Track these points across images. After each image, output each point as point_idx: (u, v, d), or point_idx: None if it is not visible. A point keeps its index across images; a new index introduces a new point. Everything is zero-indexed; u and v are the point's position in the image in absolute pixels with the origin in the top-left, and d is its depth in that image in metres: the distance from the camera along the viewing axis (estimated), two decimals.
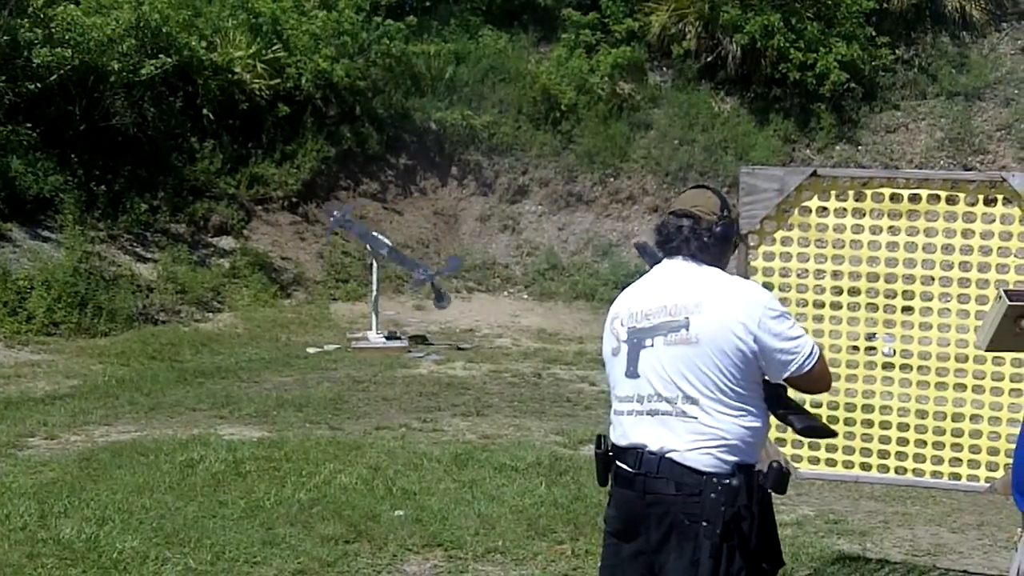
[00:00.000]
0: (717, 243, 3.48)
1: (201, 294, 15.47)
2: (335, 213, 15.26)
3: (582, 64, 20.42)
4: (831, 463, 5.38)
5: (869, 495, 7.71)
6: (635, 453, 3.34)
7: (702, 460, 3.24)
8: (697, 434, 3.26)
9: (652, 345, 3.35)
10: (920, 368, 5.27)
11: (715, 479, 3.19)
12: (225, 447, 8.29)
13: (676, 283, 3.42)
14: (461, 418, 10.21)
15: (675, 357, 3.30)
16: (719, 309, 3.29)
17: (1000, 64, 21.09)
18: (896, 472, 5.37)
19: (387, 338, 14.20)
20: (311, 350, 13.72)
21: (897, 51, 21.02)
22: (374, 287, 14.53)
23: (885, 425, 5.27)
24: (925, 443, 5.21)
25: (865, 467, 5.36)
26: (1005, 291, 2.91)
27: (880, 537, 6.79)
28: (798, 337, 3.33)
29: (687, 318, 3.30)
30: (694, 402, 3.27)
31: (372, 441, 8.84)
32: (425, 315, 16.42)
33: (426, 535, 6.34)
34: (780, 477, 3.32)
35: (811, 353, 3.33)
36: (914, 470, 5.29)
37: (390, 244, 15.17)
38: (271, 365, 12.67)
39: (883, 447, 5.28)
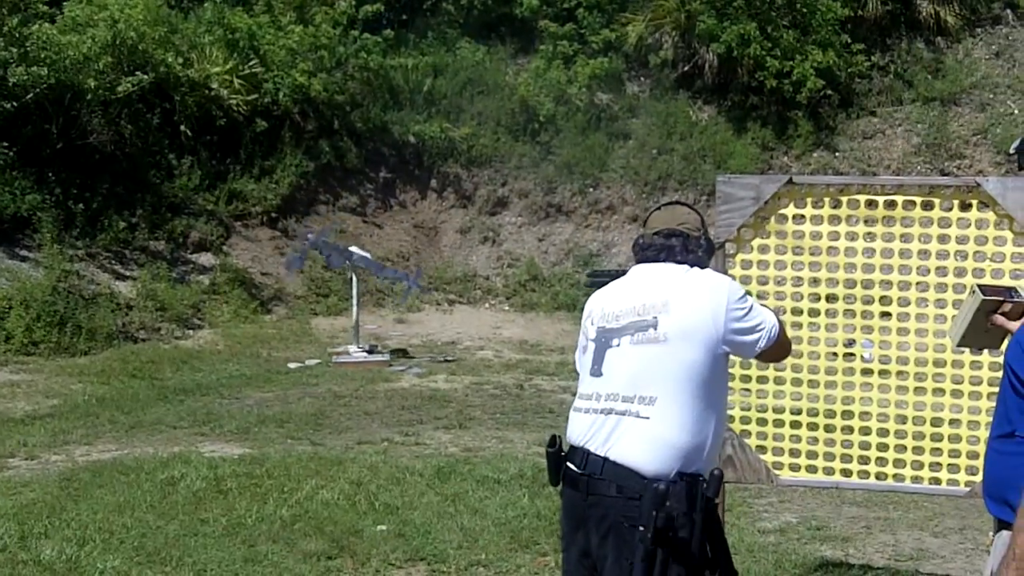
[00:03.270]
0: (703, 257, 3.58)
1: (181, 311, 15.42)
2: (309, 236, 15.20)
3: (560, 75, 20.46)
4: (812, 470, 5.38)
5: (851, 501, 7.71)
6: (582, 453, 3.36)
7: (646, 464, 3.24)
8: (646, 437, 3.26)
9: (618, 345, 3.38)
10: (899, 373, 5.27)
11: (654, 483, 3.19)
12: (206, 464, 8.24)
13: (648, 283, 3.47)
14: (443, 431, 10.19)
15: (640, 357, 3.33)
16: (686, 306, 3.32)
17: (975, 69, 21.22)
18: (877, 477, 5.36)
19: (368, 352, 14.18)
20: (292, 365, 13.69)
21: (873, 58, 21.14)
22: (354, 301, 14.51)
23: (865, 431, 5.27)
24: (905, 448, 5.22)
25: (846, 473, 5.36)
26: (979, 286, 2.92)
27: (863, 543, 6.80)
28: (761, 313, 3.46)
29: (655, 317, 3.33)
30: (651, 403, 3.28)
31: (354, 456, 8.81)
32: (407, 328, 16.41)
33: (409, 549, 6.32)
34: (720, 484, 3.33)
35: (773, 326, 3.46)
36: (895, 475, 5.29)
37: (369, 256, 15.14)
38: (252, 381, 12.63)
39: (863, 453, 5.28)
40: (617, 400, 3.34)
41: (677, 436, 3.27)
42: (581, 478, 3.35)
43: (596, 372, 3.44)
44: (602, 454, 3.31)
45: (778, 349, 3.54)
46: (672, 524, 3.18)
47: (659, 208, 3.70)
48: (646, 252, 3.55)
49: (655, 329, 3.32)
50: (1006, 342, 2.96)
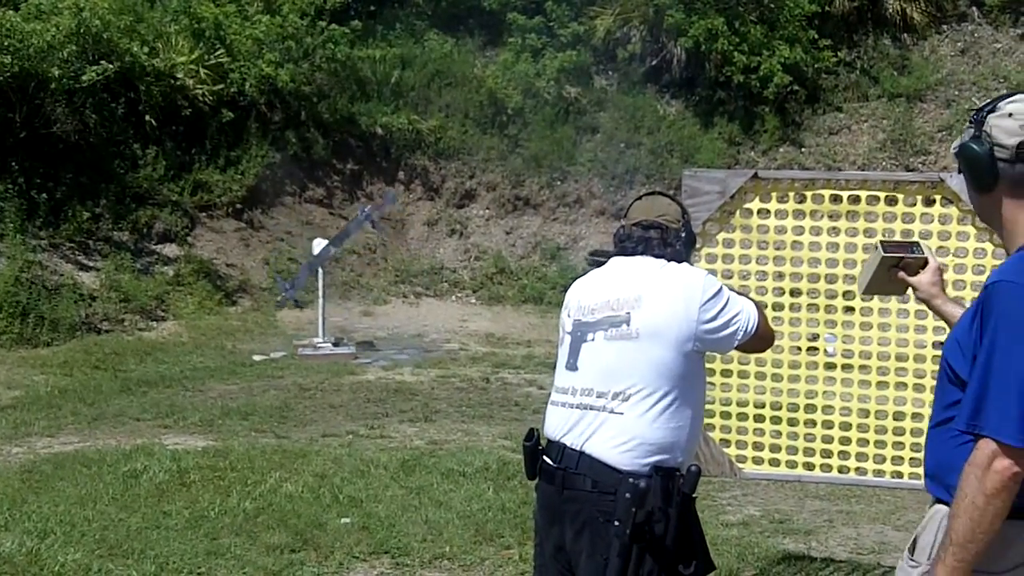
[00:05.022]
0: (683, 250, 3.55)
1: (145, 302, 15.30)
2: (284, 292, 15.13)
3: (528, 68, 20.45)
4: (775, 463, 5.41)
5: (814, 494, 7.76)
6: (558, 447, 3.36)
7: (621, 459, 3.24)
8: (621, 432, 3.26)
9: (593, 339, 3.38)
10: (862, 367, 5.31)
11: (630, 479, 3.18)
12: (169, 457, 8.19)
13: (623, 277, 3.45)
14: (409, 424, 10.17)
15: (614, 352, 3.32)
16: (658, 304, 3.30)
17: (941, 66, 21.36)
18: (839, 471, 5.40)
19: (334, 345, 14.13)
20: (257, 358, 13.62)
21: (839, 53, 21.24)
22: (320, 294, 14.44)
23: (828, 424, 5.30)
24: (867, 442, 5.25)
25: (809, 467, 5.40)
26: (881, 242, 3.08)
27: (825, 536, 6.84)
28: (737, 308, 3.41)
29: (628, 313, 3.32)
30: (625, 399, 3.27)
31: (318, 449, 8.79)
32: (373, 321, 16.36)
33: (373, 542, 6.30)
34: (697, 480, 3.32)
35: (751, 316, 3.42)
36: (857, 469, 5.33)
37: (326, 243, 15.02)
38: (216, 373, 12.55)
39: (826, 446, 5.32)
40: (592, 395, 3.33)
41: (652, 432, 3.26)
42: (557, 472, 3.34)
43: (572, 366, 3.43)
44: (578, 448, 3.31)
45: (757, 340, 3.50)
46: (649, 519, 3.18)
47: (640, 198, 3.66)
48: (625, 244, 3.53)
49: (627, 325, 3.32)
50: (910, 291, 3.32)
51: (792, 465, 5.40)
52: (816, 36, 20.85)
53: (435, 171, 19.68)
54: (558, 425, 3.40)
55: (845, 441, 5.28)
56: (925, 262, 3.24)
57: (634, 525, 3.14)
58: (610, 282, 3.47)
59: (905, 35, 21.88)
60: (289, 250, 17.40)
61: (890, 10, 21.62)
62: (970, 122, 2.70)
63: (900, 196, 5.19)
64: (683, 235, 3.54)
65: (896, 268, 3.22)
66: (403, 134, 19.45)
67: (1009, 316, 2.48)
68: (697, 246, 5.31)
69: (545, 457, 3.42)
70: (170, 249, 16.73)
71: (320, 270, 14.64)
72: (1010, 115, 2.60)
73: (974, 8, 22.08)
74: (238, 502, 7.03)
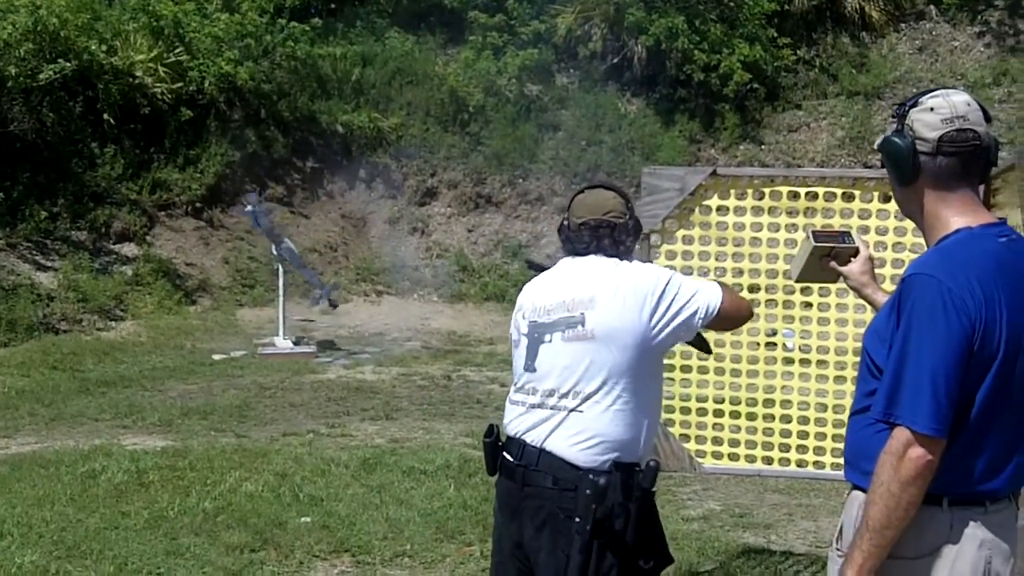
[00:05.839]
0: (632, 242, 3.56)
1: (103, 302, 15.17)
2: (248, 207, 14.90)
3: (489, 66, 20.44)
4: (734, 458, 5.44)
5: (774, 488, 7.81)
6: (518, 444, 3.36)
7: (581, 456, 3.25)
8: (581, 430, 3.27)
9: (550, 340, 3.38)
10: (819, 362, 5.35)
11: (590, 475, 3.20)
12: (128, 457, 8.14)
13: (575, 277, 3.45)
14: (370, 422, 10.15)
15: (571, 353, 3.32)
16: (612, 305, 3.30)
17: (899, 64, 21.54)
18: (798, 465, 5.43)
19: (295, 343, 14.07)
20: (217, 357, 13.54)
21: (799, 52, 21.37)
22: (281, 292, 14.37)
23: (786, 419, 5.33)
24: (825, 435, 5.29)
25: (767, 461, 5.43)
26: (813, 231, 3.13)
27: (785, 529, 6.89)
28: (690, 292, 3.37)
29: (582, 313, 3.33)
30: (584, 398, 3.29)
31: (279, 448, 8.75)
32: (334, 319, 16.29)
33: (333, 541, 6.29)
34: (656, 475, 3.34)
35: (711, 298, 3.38)
36: (815, 462, 5.37)
37: (295, 250, 14.99)
38: (176, 373, 12.47)
39: (785, 441, 5.35)
40: (552, 396, 3.34)
41: (611, 429, 3.28)
42: (517, 469, 3.36)
43: (530, 367, 3.44)
44: (538, 446, 3.31)
45: (726, 320, 3.48)
46: (609, 515, 3.19)
47: (582, 192, 3.65)
48: (575, 245, 3.52)
49: (582, 326, 3.32)
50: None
51: (751, 459, 5.43)
52: (775, 34, 20.97)
53: (396, 169, 19.63)
54: (518, 424, 3.41)
55: (804, 435, 5.32)
56: (856, 251, 3.26)
57: (594, 521, 3.16)
58: (564, 283, 3.47)
59: (864, 33, 22.05)
60: (249, 249, 17.29)
61: (849, 8, 21.79)
62: (893, 117, 2.75)
63: (857, 193, 5.23)
64: (631, 227, 3.55)
65: (828, 257, 3.24)
66: (364, 132, 19.38)
67: (923, 308, 2.53)
68: (657, 243, 5.34)
69: (505, 453, 3.43)
70: (129, 248, 16.60)
71: (280, 268, 14.56)
72: (931, 109, 2.65)
73: (932, 6, 22.27)
74: (197, 502, 6.99)
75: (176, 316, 15.58)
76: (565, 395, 3.31)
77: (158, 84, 17.45)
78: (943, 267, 2.56)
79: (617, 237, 3.49)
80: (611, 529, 3.21)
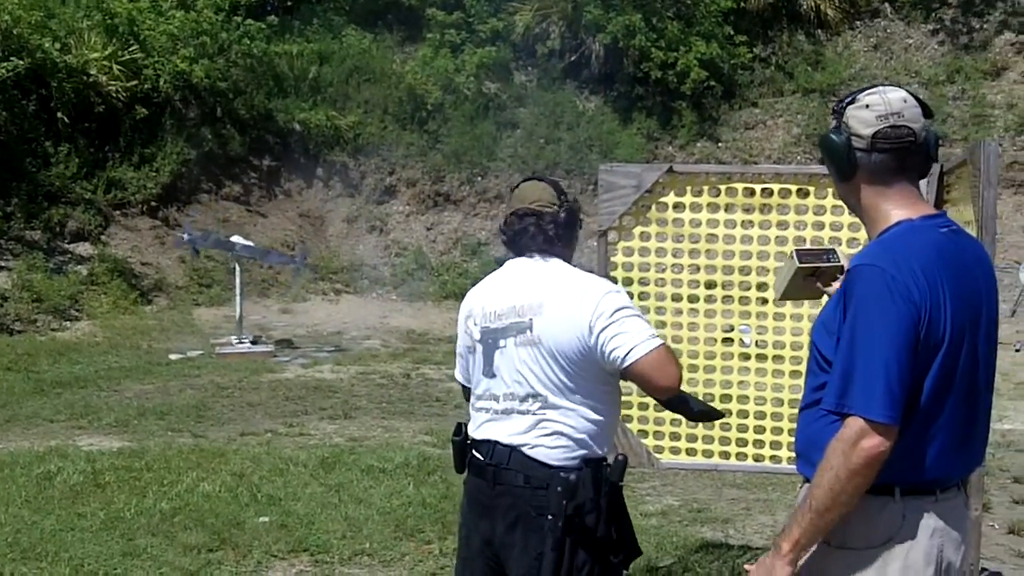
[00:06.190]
0: (563, 232, 3.48)
1: (58, 302, 15.03)
2: (184, 236, 14.85)
3: (448, 64, 20.42)
4: (692, 453, 5.46)
5: (732, 483, 7.85)
6: (488, 445, 3.37)
7: (550, 454, 3.26)
8: (546, 430, 3.28)
9: (504, 346, 3.37)
10: (775, 357, 5.37)
11: (561, 472, 3.22)
12: (84, 458, 8.06)
13: (523, 282, 3.43)
14: (328, 421, 10.11)
15: (523, 357, 3.32)
16: (558, 310, 3.29)
17: (854, 61, 21.73)
18: (755, 460, 5.46)
19: (252, 343, 14.00)
20: (173, 357, 13.44)
21: (755, 49, 21.51)
22: (238, 291, 14.29)
23: (743, 414, 5.36)
24: (782, 430, 5.32)
25: (725, 456, 5.45)
26: (796, 251, 3.07)
27: (742, 524, 6.93)
28: (631, 330, 3.21)
29: (531, 319, 3.32)
30: (542, 399, 3.29)
31: (236, 448, 8.70)
32: (292, 318, 16.23)
33: (292, 540, 6.25)
34: (624, 468, 3.34)
35: (640, 344, 3.20)
36: (772, 457, 5.39)
37: (252, 244, 14.92)
38: (132, 373, 12.37)
39: (742, 436, 5.38)
40: (514, 399, 3.34)
41: (577, 427, 3.28)
42: (488, 468, 3.35)
43: (489, 373, 3.43)
44: (508, 445, 3.31)
45: (642, 377, 3.23)
46: (580, 511, 3.21)
47: (517, 187, 3.65)
48: (511, 239, 3.50)
49: (531, 331, 3.32)
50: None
51: (709, 455, 5.45)
52: (732, 32, 21.10)
53: (354, 167, 19.58)
54: (487, 429, 3.40)
55: (760, 430, 5.34)
56: (842, 269, 3.17)
57: (566, 518, 3.17)
58: (512, 287, 3.44)
59: (819, 31, 22.23)
60: (205, 248, 17.16)
61: (804, 6, 21.96)
62: (832, 113, 2.79)
63: (812, 189, 5.26)
64: (561, 216, 3.45)
65: (812, 277, 3.19)
66: (321, 130, 19.31)
67: (869, 297, 2.55)
68: (614, 239, 5.35)
69: (475, 452, 3.43)
70: (84, 248, 16.45)
71: (237, 267, 14.49)
72: (867, 106, 2.69)
73: (886, 4, 22.49)
74: (154, 502, 6.94)
75: (132, 316, 15.45)
76: (526, 398, 3.32)
77: (112, 82, 17.32)
78: (886, 256, 2.59)
79: (544, 226, 3.43)
80: (583, 524, 3.23)
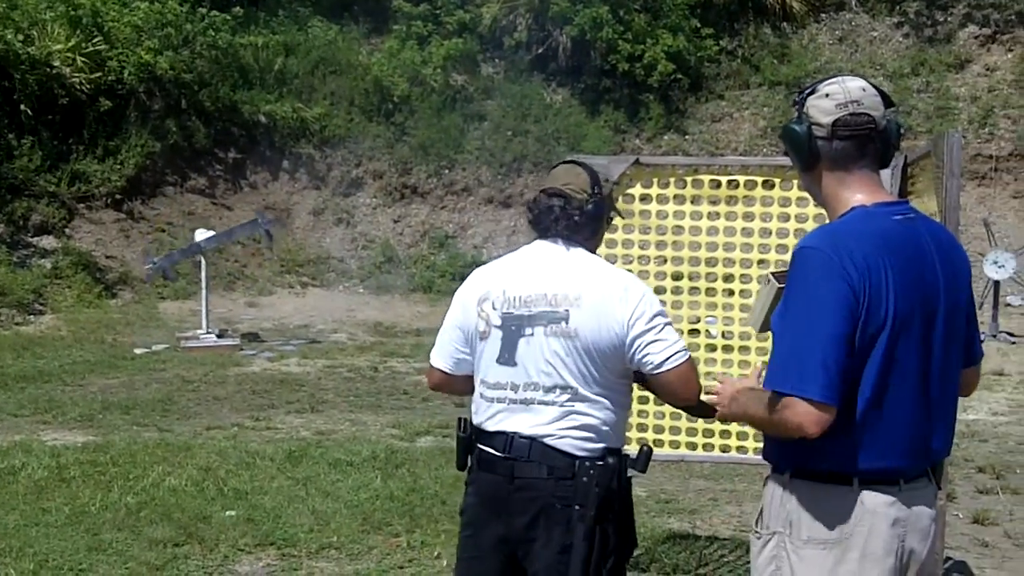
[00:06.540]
0: (588, 222, 3.39)
1: (22, 296, 14.91)
2: (149, 266, 14.74)
3: (414, 56, 20.37)
4: (659, 444, 5.46)
5: (699, 474, 7.88)
6: (504, 437, 3.28)
7: (575, 445, 3.21)
8: (570, 421, 3.22)
9: (532, 334, 3.27)
10: (741, 348, 5.39)
11: (587, 462, 3.18)
12: (48, 453, 8.00)
13: (555, 270, 3.33)
14: (295, 415, 10.08)
15: (555, 348, 3.24)
16: (598, 305, 3.22)
17: (819, 54, 21.86)
18: (722, 450, 5.48)
19: (218, 336, 13.92)
20: (139, 351, 13.36)
21: (721, 42, 21.59)
22: (203, 285, 14.21)
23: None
24: None
25: (692, 447, 5.46)
26: (772, 274, 3.03)
27: (709, 514, 6.95)
28: (667, 339, 3.24)
29: (567, 311, 3.23)
30: (571, 391, 3.22)
31: (202, 442, 8.65)
32: (258, 312, 16.16)
33: (259, 534, 6.22)
34: (649, 459, 3.35)
35: (674, 356, 3.23)
36: (738, 447, 5.41)
37: (212, 233, 14.80)
38: (97, 368, 12.28)
39: (708, 427, 5.39)
40: (537, 390, 3.25)
41: (599, 418, 3.24)
42: (505, 462, 3.26)
43: (507, 361, 3.31)
44: (529, 436, 3.26)
45: (670, 386, 3.28)
46: (608, 500, 3.19)
47: (556, 166, 3.56)
48: (536, 218, 3.40)
49: (567, 323, 3.23)
50: None
51: (675, 445, 5.46)
52: (699, 25, 21.17)
53: (320, 159, 19.51)
54: (502, 419, 3.31)
55: (727, 420, 5.36)
56: None
57: (597, 507, 3.15)
58: (540, 273, 3.34)
59: (785, 24, 22.34)
60: (171, 241, 17.07)
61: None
62: (793, 104, 2.83)
63: (778, 181, 5.28)
64: (589, 207, 3.37)
65: None
66: (287, 122, 19.23)
67: (806, 278, 2.58)
68: None
69: (486, 447, 3.33)
70: (47, 241, 16.32)
71: (203, 260, 14.40)
72: (827, 96, 2.72)
73: None
74: (120, 497, 6.89)
75: (97, 309, 15.34)
76: (553, 389, 3.24)
77: (76, 74, 17.17)
78: (827, 239, 2.61)
79: (570, 211, 3.34)
80: (610, 514, 3.20)
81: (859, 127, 2.68)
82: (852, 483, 2.62)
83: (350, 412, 10.27)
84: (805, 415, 2.51)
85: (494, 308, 3.34)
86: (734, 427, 5.40)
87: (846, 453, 2.57)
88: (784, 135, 2.79)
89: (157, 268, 14.44)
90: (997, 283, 15.63)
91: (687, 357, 3.27)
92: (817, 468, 2.63)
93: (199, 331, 13.96)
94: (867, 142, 2.70)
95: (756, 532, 2.82)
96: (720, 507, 7.15)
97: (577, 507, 3.16)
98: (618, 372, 3.29)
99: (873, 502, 2.62)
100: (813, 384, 2.50)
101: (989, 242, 16.31)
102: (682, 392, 3.32)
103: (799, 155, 2.76)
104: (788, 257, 5.09)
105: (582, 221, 3.36)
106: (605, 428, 3.26)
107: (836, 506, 2.63)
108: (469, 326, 3.40)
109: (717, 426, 5.39)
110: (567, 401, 3.23)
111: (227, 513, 6.59)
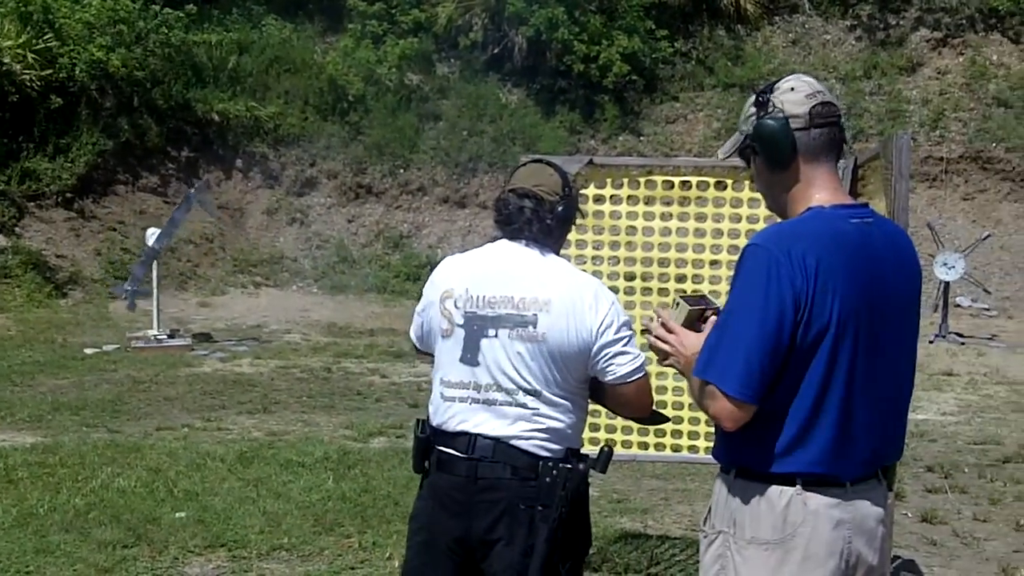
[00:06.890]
0: (559, 225, 3.37)
1: None
2: (123, 292, 14.56)
3: (369, 55, 20.32)
4: (611, 443, 5.48)
5: (651, 474, 7.91)
6: (467, 438, 3.24)
7: (539, 446, 3.20)
8: (534, 423, 3.21)
9: (496, 336, 3.24)
10: None
11: (550, 463, 3.18)
12: None
13: (523, 273, 3.30)
14: (247, 416, 10.00)
15: (519, 350, 3.22)
16: (568, 311, 3.20)
17: (773, 56, 22.01)
18: (673, 450, 5.51)
19: (169, 336, 13.81)
20: (89, 351, 13.21)
21: (676, 44, 21.69)
22: (154, 284, 14.08)
23: (661, 405, 5.39)
24: (699, 420, 5.36)
25: (643, 446, 5.48)
26: (682, 297, 3.06)
27: (661, 514, 6.98)
28: (631, 352, 3.26)
29: (535, 315, 3.21)
30: (534, 394, 3.21)
31: (152, 443, 8.57)
32: (210, 312, 16.04)
33: (209, 536, 6.17)
34: (609, 460, 3.36)
35: (634, 370, 3.25)
36: (690, 447, 5.44)
37: (159, 229, 14.59)
38: (46, 368, 12.14)
39: (660, 426, 5.40)
40: (499, 391, 3.23)
41: (562, 419, 3.23)
42: (468, 463, 3.22)
43: (469, 360, 3.28)
44: (493, 436, 3.25)
45: (624, 398, 3.33)
46: (569, 501, 3.18)
47: (524, 165, 3.53)
48: (505, 219, 3.34)
49: (534, 327, 3.21)
50: None
51: (628, 445, 5.48)
52: (654, 26, 21.26)
53: (274, 158, 19.40)
54: (461, 419, 3.28)
55: (679, 420, 5.38)
56: (718, 311, 3.03)
57: (559, 509, 3.14)
58: (506, 274, 3.31)
59: (739, 26, 22.48)
60: (122, 240, 16.92)
61: (724, 1, 22.18)
62: (755, 105, 2.75)
63: (730, 182, 5.31)
64: (559, 209, 3.33)
65: (700, 320, 3.17)
66: (241, 121, 19.11)
67: (748, 276, 2.58)
68: None
69: (446, 448, 3.29)
70: None
71: (155, 262, 14.26)
72: (792, 89, 2.70)
73: (805, 0, 22.80)
74: (68, 498, 6.81)
75: (47, 309, 15.18)
76: (517, 391, 3.22)
77: (27, 71, 16.98)
78: (775, 238, 2.60)
79: (542, 214, 3.30)
80: (572, 515, 3.21)
81: (832, 117, 2.69)
82: (795, 484, 2.61)
83: (303, 413, 10.21)
84: (722, 408, 2.54)
85: (456, 307, 3.32)
86: (685, 427, 5.42)
87: (790, 454, 2.57)
88: (758, 132, 2.70)
89: (132, 294, 14.27)
90: (947, 284, 15.83)
91: (644, 374, 3.30)
92: (761, 468, 2.62)
93: (150, 331, 13.84)
94: (837, 132, 2.71)
95: (703, 531, 2.82)
96: (672, 506, 7.17)
97: (540, 508, 3.15)
98: (580, 377, 3.28)
99: (816, 503, 2.61)
100: (733, 380, 2.52)
101: (936, 244, 16.49)
102: (636, 404, 3.38)
103: (777, 149, 2.69)
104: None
105: (554, 224, 3.34)
106: (568, 431, 3.26)
107: (779, 507, 2.62)
108: (436, 323, 3.38)
109: (668, 426, 5.40)
110: (532, 403, 3.22)
111: (177, 514, 6.53)
